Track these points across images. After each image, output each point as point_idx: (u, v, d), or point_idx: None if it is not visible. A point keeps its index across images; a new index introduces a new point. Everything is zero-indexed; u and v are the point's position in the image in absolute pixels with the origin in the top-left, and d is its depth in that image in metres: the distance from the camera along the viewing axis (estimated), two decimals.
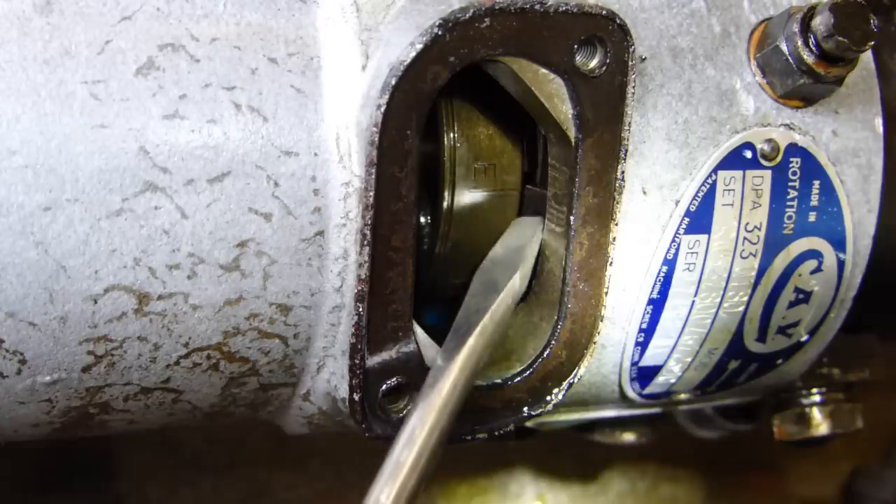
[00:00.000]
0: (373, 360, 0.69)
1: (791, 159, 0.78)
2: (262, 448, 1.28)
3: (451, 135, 0.75)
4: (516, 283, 0.72)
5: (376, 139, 0.64)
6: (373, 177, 0.64)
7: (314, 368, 0.72)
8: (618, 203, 0.72)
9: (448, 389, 0.63)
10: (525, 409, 0.75)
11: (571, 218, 0.71)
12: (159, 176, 0.63)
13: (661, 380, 0.83)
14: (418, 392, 0.65)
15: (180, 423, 0.76)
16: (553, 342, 0.74)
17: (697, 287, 0.78)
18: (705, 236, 0.76)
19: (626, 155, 0.71)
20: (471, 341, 0.66)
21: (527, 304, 0.78)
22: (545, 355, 0.74)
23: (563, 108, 0.69)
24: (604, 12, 0.67)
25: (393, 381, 0.70)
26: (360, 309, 0.67)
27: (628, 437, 0.99)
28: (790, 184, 0.78)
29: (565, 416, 0.87)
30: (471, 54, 0.64)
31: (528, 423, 0.83)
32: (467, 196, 0.75)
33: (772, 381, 0.88)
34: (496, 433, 0.75)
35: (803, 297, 0.82)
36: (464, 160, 0.75)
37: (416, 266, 0.68)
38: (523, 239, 0.75)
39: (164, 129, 0.63)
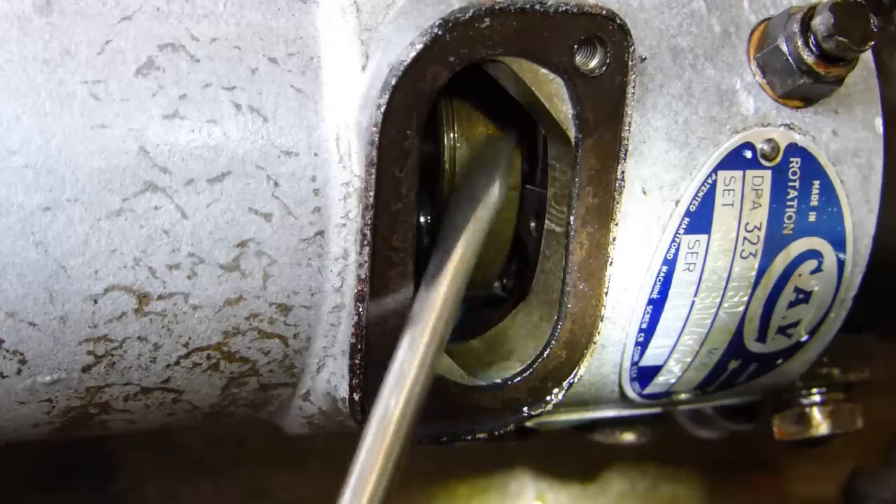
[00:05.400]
0: (373, 360, 0.69)
1: (791, 159, 0.78)
2: (262, 448, 1.27)
3: (451, 135, 0.75)
4: (494, 191, 0.69)
5: (376, 139, 0.64)
6: (373, 177, 0.64)
7: (314, 368, 0.72)
8: (618, 203, 0.72)
9: (439, 306, 0.62)
10: (525, 409, 0.75)
11: (571, 218, 0.71)
12: (159, 176, 0.63)
13: (661, 380, 0.83)
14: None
15: (180, 423, 0.76)
16: (553, 342, 0.74)
17: (697, 287, 0.78)
18: (705, 236, 0.76)
19: (626, 155, 0.71)
20: (455, 256, 0.64)
21: (527, 304, 0.78)
22: (545, 355, 0.74)
23: (563, 108, 0.69)
24: (604, 12, 0.67)
25: None
26: (360, 309, 0.67)
27: (628, 437, 0.99)
28: (790, 184, 0.78)
29: (565, 416, 0.87)
30: (471, 54, 0.64)
31: (528, 423, 0.83)
32: None
33: (772, 381, 0.88)
34: (496, 433, 0.75)
35: (803, 297, 0.82)
36: (464, 160, 0.75)
37: (416, 266, 0.68)
38: (496, 152, 0.73)
39: (164, 129, 0.63)
